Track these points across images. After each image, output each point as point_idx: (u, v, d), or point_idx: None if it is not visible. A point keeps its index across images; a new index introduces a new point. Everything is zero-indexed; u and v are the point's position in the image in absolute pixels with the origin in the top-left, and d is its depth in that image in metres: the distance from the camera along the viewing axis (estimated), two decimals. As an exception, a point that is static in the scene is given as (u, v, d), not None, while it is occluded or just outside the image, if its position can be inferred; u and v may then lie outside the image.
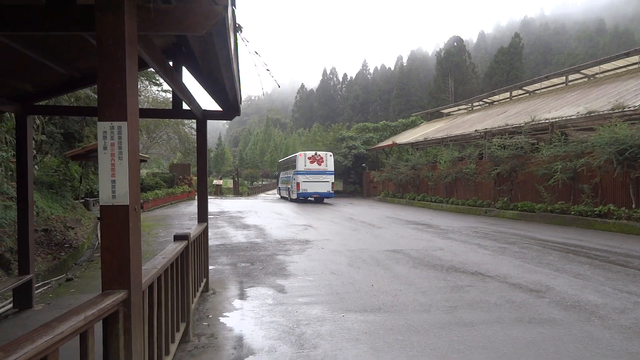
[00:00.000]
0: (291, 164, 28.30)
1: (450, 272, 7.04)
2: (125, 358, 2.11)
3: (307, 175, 25.72)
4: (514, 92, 27.47)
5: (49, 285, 6.59)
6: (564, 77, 23.40)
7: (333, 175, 26.67)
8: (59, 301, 5.66)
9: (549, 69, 64.15)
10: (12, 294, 5.28)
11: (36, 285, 5.75)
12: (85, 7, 2.33)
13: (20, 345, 1.37)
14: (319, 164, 26.01)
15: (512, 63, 66.42)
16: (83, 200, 15.92)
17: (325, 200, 27.67)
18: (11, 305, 5.30)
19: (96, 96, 10.95)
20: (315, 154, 26.53)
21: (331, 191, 26.18)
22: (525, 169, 15.90)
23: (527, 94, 26.37)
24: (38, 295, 5.79)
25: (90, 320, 1.79)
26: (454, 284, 6.22)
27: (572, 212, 13.54)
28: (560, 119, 15.95)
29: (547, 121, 16.44)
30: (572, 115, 15.49)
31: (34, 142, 5.92)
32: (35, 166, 10.64)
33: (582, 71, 22.60)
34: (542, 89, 25.31)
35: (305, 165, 25.91)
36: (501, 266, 7.42)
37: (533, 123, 16.66)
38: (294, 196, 26.78)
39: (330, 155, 26.85)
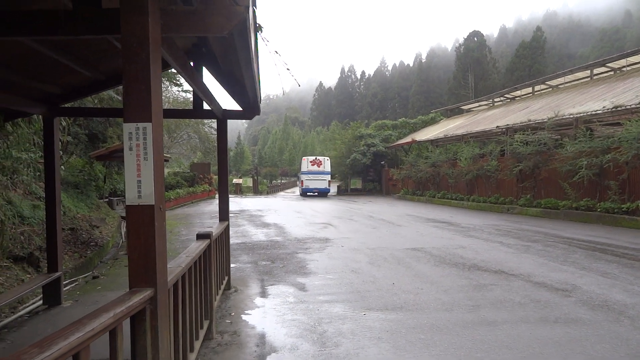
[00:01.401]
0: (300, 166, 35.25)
1: (473, 270, 6.95)
2: (152, 355, 2.15)
3: (309, 175, 32.25)
4: (537, 87, 26.88)
5: (76, 283, 6.76)
6: (588, 71, 22.79)
7: (329, 175, 33.02)
8: (86, 298, 5.80)
9: (572, 63, 62.58)
10: (41, 290, 5.44)
11: (64, 282, 5.90)
12: (111, 10, 2.38)
13: (54, 341, 1.41)
14: (319, 166, 32.45)
15: (535, 57, 64.99)
16: (107, 200, 16.25)
17: (344, 198, 30.44)
18: (41, 302, 5.46)
19: (118, 97, 11.17)
20: (315, 158, 33.45)
21: (328, 187, 32.45)
22: (549, 166, 15.57)
23: (550, 89, 25.79)
24: (66, 292, 5.95)
25: (119, 318, 1.83)
26: (477, 283, 6.15)
27: (598, 210, 13.20)
28: (585, 113, 15.55)
29: (571, 116, 16.06)
30: (597, 110, 15.10)
31: (60, 143, 6.08)
32: (62, 167, 10.92)
33: (608, 64, 21.97)
34: (566, 83, 24.70)
35: (307, 167, 32.51)
36: (525, 264, 7.29)
37: (557, 118, 16.29)
38: (300, 192, 33.94)
39: (327, 159, 33.59)
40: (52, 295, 5.39)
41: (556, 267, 7.08)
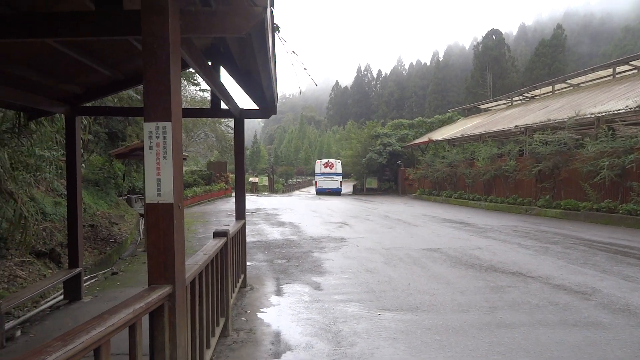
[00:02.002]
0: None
1: (490, 271, 6.87)
2: (170, 350, 2.19)
3: (322, 177, 35.41)
4: (557, 86, 26.35)
5: (96, 279, 6.91)
6: (611, 69, 22.26)
7: (341, 176, 35.73)
8: (105, 294, 5.92)
9: (594, 61, 61.13)
10: (62, 286, 5.57)
11: (84, 278, 6.03)
12: (132, 12, 2.42)
13: (77, 335, 1.45)
14: (330, 168, 35.33)
15: (555, 55, 63.80)
16: (126, 197, 16.54)
17: (360, 197, 30.66)
18: (62, 296, 5.59)
19: (138, 96, 11.32)
20: (328, 161, 36.15)
21: (339, 187, 35.15)
22: (569, 166, 15.28)
23: (571, 88, 25.28)
24: (86, 288, 6.08)
25: (138, 314, 1.86)
26: (494, 284, 6.08)
27: (620, 211, 12.91)
28: (607, 113, 15.22)
29: (592, 116, 15.73)
30: (620, 109, 14.76)
31: (81, 141, 6.21)
32: (83, 164, 11.14)
33: (631, 62, 21.39)
34: (588, 82, 24.16)
35: (320, 169, 35.55)
36: (543, 266, 7.18)
37: (577, 118, 15.98)
38: (314, 191, 37.38)
39: (339, 162, 36.05)
40: (72, 290, 5.52)
41: (576, 269, 6.96)
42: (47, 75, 4.55)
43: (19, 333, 4.42)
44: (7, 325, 4.41)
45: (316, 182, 36.45)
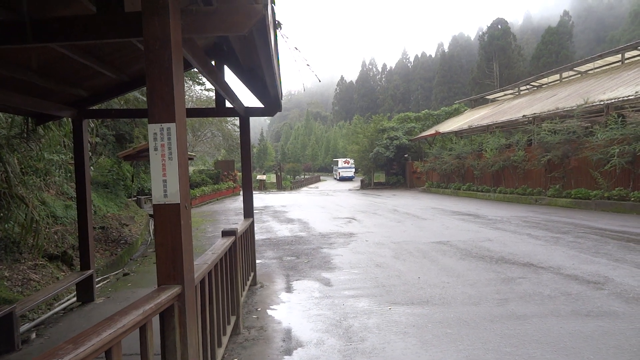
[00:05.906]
0: (336, 163, 62.34)
1: (500, 263, 6.83)
2: (181, 350, 2.20)
3: (342, 169, 58.38)
4: (565, 74, 26.03)
5: (107, 280, 6.97)
6: (619, 55, 21.90)
7: (354, 168, 54.87)
8: (117, 294, 5.97)
9: (602, 47, 60.19)
10: (75, 288, 5.63)
11: (96, 279, 6.09)
12: (133, 14, 2.42)
13: (88, 337, 1.46)
14: (347, 164, 57.48)
15: (562, 43, 62.89)
16: (135, 198, 16.65)
17: (368, 192, 30.85)
18: (75, 298, 5.65)
19: (144, 97, 11.38)
20: (345, 159, 58.52)
21: (352, 175, 57.29)
22: (579, 155, 15.11)
23: (579, 75, 24.95)
24: (98, 289, 6.14)
25: (148, 315, 1.87)
26: (505, 276, 6.04)
27: (632, 199, 12.75)
28: (616, 99, 15.01)
29: (601, 103, 15.53)
30: (629, 96, 14.54)
31: (89, 144, 6.26)
32: (91, 167, 11.22)
33: (641, 47, 21.07)
34: (596, 68, 23.81)
35: (341, 165, 58.62)
36: (555, 257, 7.12)
37: (586, 105, 15.78)
38: (338, 178, 60.13)
39: (352, 160, 52.89)
40: (85, 292, 5.58)
41: (588, 259, 6.89)
42: (53, 80, 4.58)
43: (33, 335, 4.48)
44: (22, 328, 4.47)
45: (339, 172, 59.21)
